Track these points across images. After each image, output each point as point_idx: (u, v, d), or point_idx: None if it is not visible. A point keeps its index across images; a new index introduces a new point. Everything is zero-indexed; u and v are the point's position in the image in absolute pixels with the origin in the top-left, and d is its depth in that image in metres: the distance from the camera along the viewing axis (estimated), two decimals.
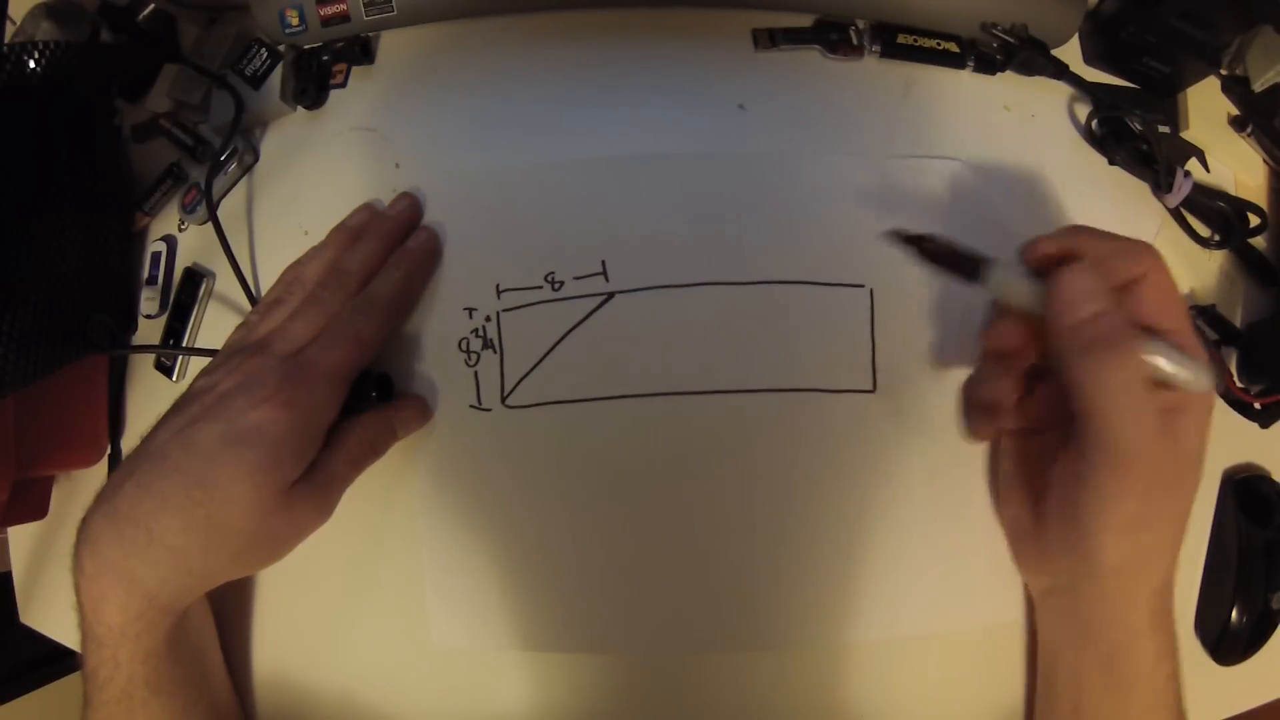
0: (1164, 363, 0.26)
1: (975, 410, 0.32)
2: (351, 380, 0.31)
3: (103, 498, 0.30)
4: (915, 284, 0.34)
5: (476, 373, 0.34)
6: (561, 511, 0.33)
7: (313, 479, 0.30)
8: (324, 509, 0.31)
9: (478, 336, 0.34)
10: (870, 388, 0.33)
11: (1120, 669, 0.29)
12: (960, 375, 0.33)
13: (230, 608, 0.36)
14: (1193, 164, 0.40)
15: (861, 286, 0.34)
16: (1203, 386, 0.26)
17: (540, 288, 0.34)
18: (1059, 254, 0.28)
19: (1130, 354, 0.25)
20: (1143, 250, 0.28)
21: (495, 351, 0.34)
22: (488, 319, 0.34)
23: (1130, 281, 0.27)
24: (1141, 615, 0.28)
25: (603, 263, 0.34)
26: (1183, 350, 0.26)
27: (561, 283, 0.34)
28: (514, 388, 0.34)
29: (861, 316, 0.34)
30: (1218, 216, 0.38)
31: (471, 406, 0.34)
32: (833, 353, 0.33)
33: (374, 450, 0.32)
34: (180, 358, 0.40)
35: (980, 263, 0.28)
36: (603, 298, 0.34)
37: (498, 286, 0.34)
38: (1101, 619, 0.29)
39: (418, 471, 0.34)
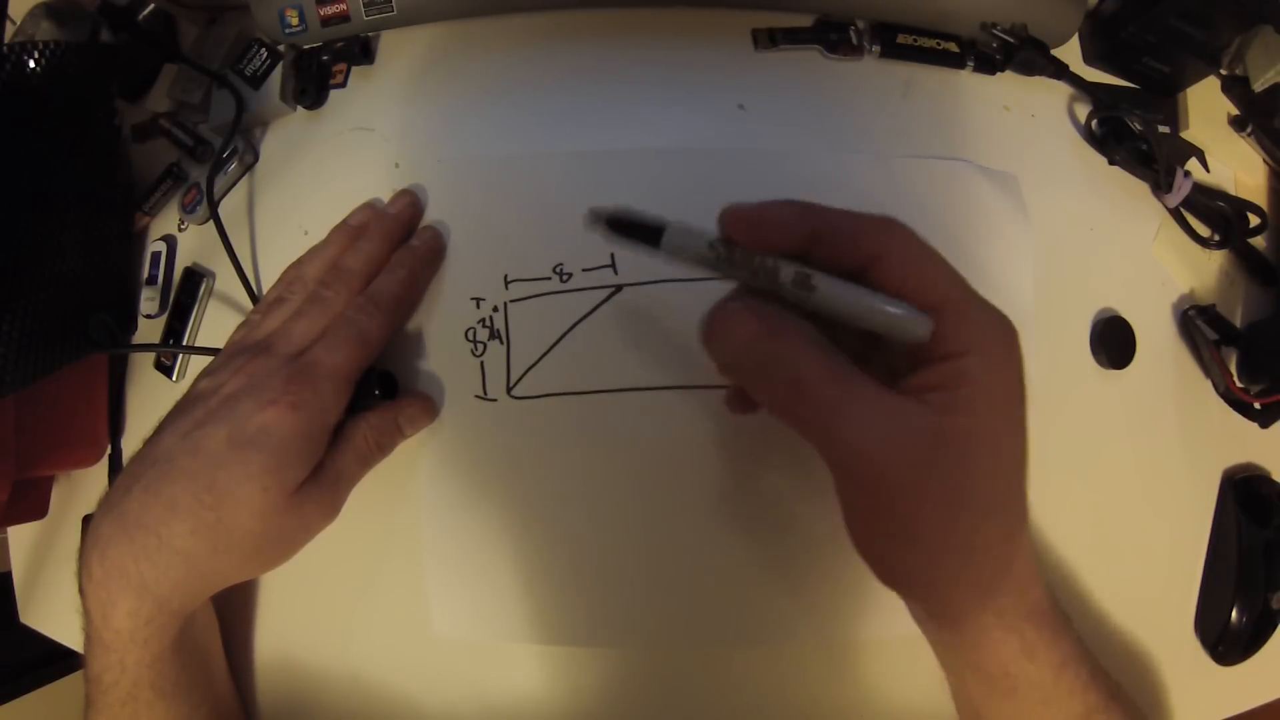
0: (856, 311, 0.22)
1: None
2: (356, 379, 0.31)
3: (109, 503, 0.29)
4: None
5: (482, 363, 0.34)
6: (565, 504, 0.33)
7: (320, 479, 0.30)
8: (332, 508, 0.31)
9: (484, 326, 0.34)
10: None
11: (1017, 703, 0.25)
12: None
13: (236, 598, 0.35)
14: (1193, 164, 0.40)
15: None
16: (916, 332, 0.22)
17: (549, 279, 0.34)
18: (759, 220, 0.24)
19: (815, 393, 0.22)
20: (878, 228, 0.23)
21: (502, 342, 0.34)
22: (495, 309, 0.34)
23: (870, 259, 0.23)
24: (1001, 648, 0.24)
25: (612, 255, 0.34)
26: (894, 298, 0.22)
27: (570, 274, 0.34)
28: (520, 378, 0.34)
29: None
30: (1218, 216, 0.38)
31: (477, 396, 0.34)
32: None
33: (380, 448, 0.32)
34: (180, 357, 0.40)
35: (660, 230, 0.25)
36: (611, 290, 0.34)
37: (505, 277, 0.34)
38: (965, 651, 0.26)
39: (422, 461, 0.34)
